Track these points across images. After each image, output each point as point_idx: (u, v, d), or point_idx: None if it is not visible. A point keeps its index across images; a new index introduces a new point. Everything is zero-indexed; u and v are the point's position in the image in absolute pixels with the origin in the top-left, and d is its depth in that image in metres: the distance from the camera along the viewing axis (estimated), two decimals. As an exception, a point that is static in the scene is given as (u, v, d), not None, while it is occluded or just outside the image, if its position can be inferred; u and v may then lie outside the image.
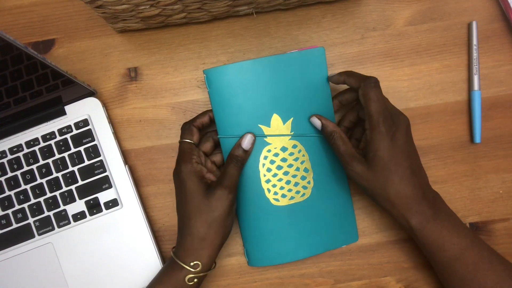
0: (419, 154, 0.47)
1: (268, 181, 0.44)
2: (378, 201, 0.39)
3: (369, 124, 0.38)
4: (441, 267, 0.39)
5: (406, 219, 0.38)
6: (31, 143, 0.45)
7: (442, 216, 0.38)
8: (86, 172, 0.45)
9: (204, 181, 0.41)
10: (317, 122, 0.42)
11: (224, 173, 0.41)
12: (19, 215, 0.45)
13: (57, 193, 0.45)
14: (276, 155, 0.44)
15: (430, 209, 0.37)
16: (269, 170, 0.44)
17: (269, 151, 0.43)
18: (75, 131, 0.46)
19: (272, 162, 0.44)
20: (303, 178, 0.44)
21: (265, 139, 0.43)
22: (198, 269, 0.39)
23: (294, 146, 0.44)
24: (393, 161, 0.37)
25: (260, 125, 0.43)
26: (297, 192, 0.44)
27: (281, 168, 0.44)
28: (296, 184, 0.44)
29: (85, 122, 0.46)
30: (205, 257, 0.39)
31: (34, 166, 0.45)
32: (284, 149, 0.44)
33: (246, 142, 0.42)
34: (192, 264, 0.39)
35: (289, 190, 0.44)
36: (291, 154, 0.44)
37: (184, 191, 0.40)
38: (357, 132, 0.45)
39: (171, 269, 0.40)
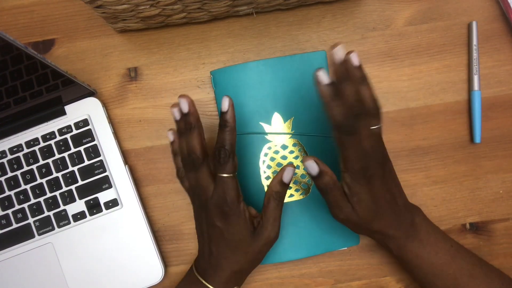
0: (419, 154, 0.47)
1: (268, 178, 0.44)
2: (361, 233, 0.40)
3: (345, 168, 0.36)
4: (421, 283, 0.39)
5: (385, 243, 0.39)
6: (31, 143, 0.45)
7: (420, 236, 0.38)
8: (86, 172, 0.45)
9: (250, 220, 0.38)
10: (314, 168, 0.36)
11: (269, 215, 0.38)
12: (19, 215, 0.45)
13: (57, 193, 0.45)
14: (276, 152, 0.44)
15: (407, 231, 0.38)
16: (269, 167, 0.44)
17: (269, 148, 0.44)
18: (75, 131, 0.46)
19: (272, 159, 0.44)
20: (303, 176, 0.44)
21: (266, 136, 0.44)
22: None
23: (295, 145, 0.44)
24: (374, 202, 0.36)
25: (261, 123, 0.44)
26: (297, 190, 0.44)
27: (281, 166, 0.44)
28: (295, 182, 0.44)
29: (85, 122, 0.46)
30: (242, 282, 0.41)
31: (34, 166, 0.45)
32: (284, 147, 0.44)
33: (287, 176, 0.37)
34: None
35: (289, 188, 0.44)
36: (291, 152, 0.44)
37: (233, 232, 0.37)
38: None
39: None
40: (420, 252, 0.37)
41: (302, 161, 0.40)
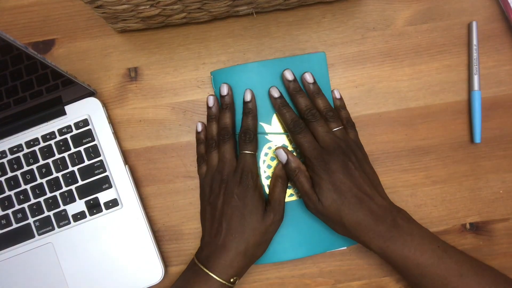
0: (419, 154, 0.47)
1: (268, 177, 0.44)
2: (337, 230, 0.40)
3: (305, 163, 0.41)
4: (409, 283, 0.40)
5: (366, 244, 0.39)
6: (31, 143, 0.45)
7: (404, 237, 0.38)
8: (86, 172, 0.45)
9: (263, 198, 0.42)
10: (283, 155, 0.42)
11: (276, 197, 0.41)
12: (19, 215, 0.45)
13: (57, 193, 0.45)
14: (276, 153, 0.44)
15: (389, 232, 0.38)
16: (269, 166, 0.44)
17: (269, 148, 0.44)
18: (75, 131, 0.46)
19: (272, 159, 0.44)
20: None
21: (266, 136, 0.44)
22: (236, 283, 0.40)
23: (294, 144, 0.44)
24: (337, 192, 0.38)
25: (261, 123, 0.44)
26: (296, 190, 0.44)
27: (281, 168, 0.44)
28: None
29: (85, 122, 0.46)
30: (244, 272, 0.41)
31: (34, 166, 0.45)
32: (284, 146, 0.44)
33: (281, 157, 0.42)
34: (232, 280, 0.39)
35: (289, 187, 0.44)
36: (291, 151, 0.44)
37: (249, 205, 0.40)
38: None
39: (206, 283, 0.38)
40: (405, 253, 0.37)
41: (274, 152, 0.44)
